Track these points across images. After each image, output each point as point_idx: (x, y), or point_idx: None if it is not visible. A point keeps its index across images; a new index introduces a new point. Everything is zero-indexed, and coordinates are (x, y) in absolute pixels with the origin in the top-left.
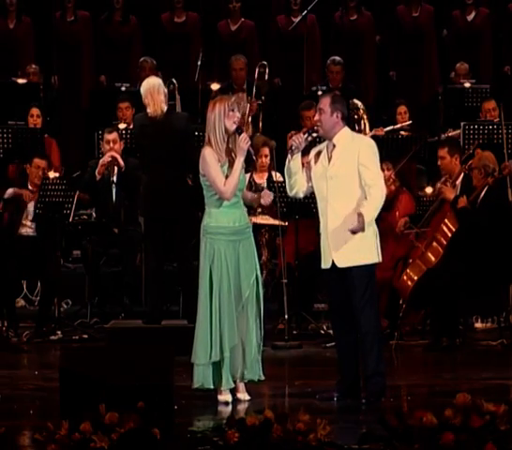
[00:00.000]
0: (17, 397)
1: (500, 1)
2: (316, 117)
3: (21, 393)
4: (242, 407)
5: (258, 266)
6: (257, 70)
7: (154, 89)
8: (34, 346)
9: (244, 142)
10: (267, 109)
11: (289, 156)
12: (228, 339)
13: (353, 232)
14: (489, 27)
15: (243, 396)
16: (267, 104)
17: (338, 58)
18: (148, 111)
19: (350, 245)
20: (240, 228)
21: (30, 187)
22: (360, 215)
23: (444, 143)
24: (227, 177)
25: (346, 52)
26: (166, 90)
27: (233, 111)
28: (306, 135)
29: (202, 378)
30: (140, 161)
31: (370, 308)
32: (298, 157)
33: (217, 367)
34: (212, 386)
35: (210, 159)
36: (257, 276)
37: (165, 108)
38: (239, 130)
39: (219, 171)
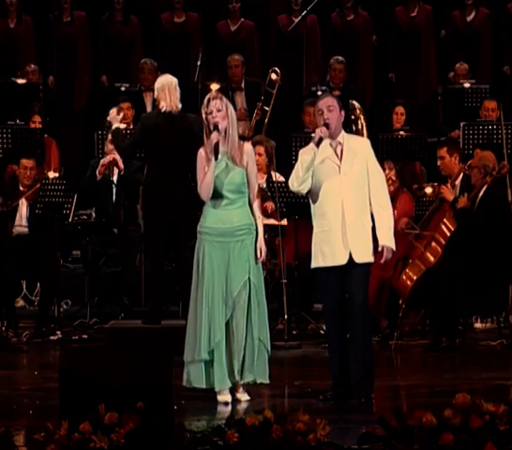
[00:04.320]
0: (16, 397)
1: (500, 1)
2: (326, 115)
3: (20, 393)
4: (241, 407)
5: (253, 270)
6: (269, 76)
7: (171, 85)
8: (33, 346)
9: (209, 141)
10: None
11: (313, 147)
12: (213, 337)
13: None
14: (489, 27)
15: (242, 396)
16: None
17: (341, 57)
18: (162, 105)
19: (365, 240)
20: (229, 230)
21: (21, 188)
22: (385, 247)
23: (443, 143)
24: None
25: (343, 52)
26: (179, 90)
27: (210, 114)
28: (326, 128)
29: (191, 376)
30: (143, 160)
31: (367, 305)
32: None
33: (210, 367)
34: (203, 386)
35: (200, 159)
36: (250, 279)
37: (180, 106)
38: (215, 128)
39: (202, 171)
